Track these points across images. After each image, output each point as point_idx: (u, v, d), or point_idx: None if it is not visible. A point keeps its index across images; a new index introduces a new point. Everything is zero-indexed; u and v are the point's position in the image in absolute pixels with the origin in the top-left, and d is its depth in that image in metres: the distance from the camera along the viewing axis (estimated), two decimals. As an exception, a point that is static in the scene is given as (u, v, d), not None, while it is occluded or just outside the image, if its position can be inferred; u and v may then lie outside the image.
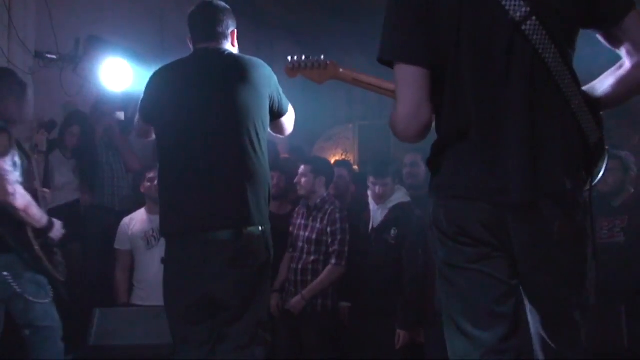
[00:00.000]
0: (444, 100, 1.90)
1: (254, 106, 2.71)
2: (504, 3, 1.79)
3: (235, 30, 2.95)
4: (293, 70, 2.91)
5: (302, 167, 4.55)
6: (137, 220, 4.68)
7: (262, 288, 2.73)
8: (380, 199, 4.35)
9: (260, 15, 7.14)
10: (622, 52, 1.87)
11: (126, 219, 4.72)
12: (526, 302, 1.96)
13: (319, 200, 4.49)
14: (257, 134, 2.70)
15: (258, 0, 6.63)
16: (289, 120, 3.03)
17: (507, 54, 1.81)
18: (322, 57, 2.94)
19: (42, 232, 3.38)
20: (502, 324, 1.89)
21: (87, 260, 4.97)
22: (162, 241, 4.25)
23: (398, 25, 1.91)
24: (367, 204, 4.51)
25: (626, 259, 4.01)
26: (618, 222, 4.16)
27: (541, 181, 1.79)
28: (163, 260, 2.80)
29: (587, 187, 1.91)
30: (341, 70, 3.08)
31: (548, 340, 1.92)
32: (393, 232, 4.27)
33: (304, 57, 3.06)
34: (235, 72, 2.73)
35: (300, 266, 4.41)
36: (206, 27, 2.88)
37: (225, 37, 2.89)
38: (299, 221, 4.55)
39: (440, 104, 1.91)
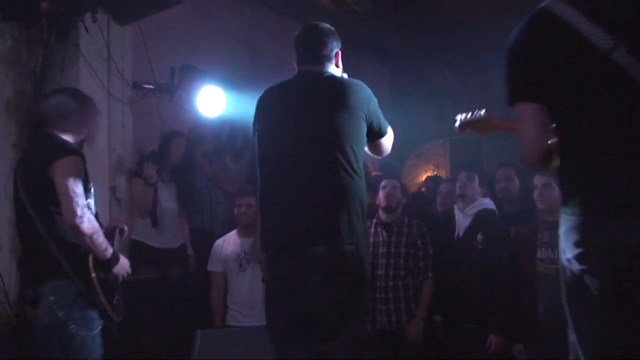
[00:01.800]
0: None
1: (350, 128, 2.73)
2: (592, 39, 1.94)
3: (340, 52, 2.99)
4: (461, 127, 2.98)
5: (389, 182, 4.62)
6: (229, 242, 4.73)
7: (357, 304, 2.71)
8: (463, 192, 4.36)
9: (352, 39, 7.18)
10: None
11: (219, 241, 4.78)
12: None
13: (398, 216, 4.51)
14: (353, 155, 2.72)
15: (345, 21, 6.66)
16: (388, 141, 3.04)
17: (599, 80, 1.96)
18: (483, 111, 2.98)
19: (105, 265, 3.18)
20: None
21: (188, 283, 5.05)
22: (254, 263, 4.44)
23: (512, 73, 2.15)
24: (452, 215, 4.47)
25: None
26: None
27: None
28: (264, 280, 2.82)
29: None
30: (496, 120, 3.16)
31: None
32: (480, 237, 4.23)
33: (469, 114, 3.12)
34: (333, 94, 2.77)
35: (391, 283, 4.37)
36: (310, 49, 2.94)
37: (329, 59, 2.94)
38: (379, 238, 4.50)
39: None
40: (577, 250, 1.98)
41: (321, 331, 2.66)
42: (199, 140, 5.66)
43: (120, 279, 3.31)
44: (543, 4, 2.10)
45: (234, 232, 4.78)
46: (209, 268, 4.76)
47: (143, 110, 5.19)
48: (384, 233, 4.50)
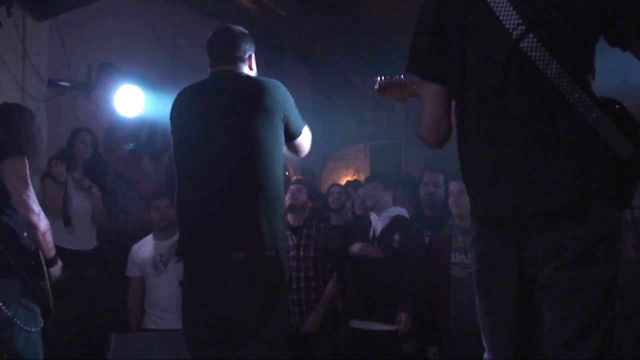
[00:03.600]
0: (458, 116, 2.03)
1: (268, 129, 2.71)
2: (502, 21, 1.85)
3: (253, 54, 2.99)
4: (381, 90, 2.89)
5: (295, 186, 4.72)
6: (145, 246, 4.70)
7: (276, 308, 2.70)
8: (376, 208, 4.46)
9: (274, 42, 7.27)
10: None
11: (135, 246, 4.74)
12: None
13: (303, 220, 4.64)
14: (271, 157, 2.72)
15: (269, 24, 6.70)
16: (305, 141, 3.02)
17: (505, 70, 1.86)
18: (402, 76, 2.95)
19: (48, 264, 3.26)
20: None
21: (103, 285, 4.97)
22: (171, 266, 4.40)
23: (418, 44, 2.07)
24: (368, 217, 4.56)
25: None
26: (629, 236, 4.12)
27: (538, 194, 1.82)
28: (181, 283, 2.82)
29: (621, 204, 1.90)
30: (416, 86, 3.04)
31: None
32: (397, 236, 4.31)
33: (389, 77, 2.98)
34: (249, 94, 2.75)
35: (302, 285, 4.47)
36: (223, 51, 2.92)
37: (242, 60, 2.93)
38: (288, 242, 4.55)
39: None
40: (480, 263, 2.03)
41: (238, 335, 2.64)
42: (115, 140, 5.56)
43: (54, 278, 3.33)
44: None
45: (150, 236, 4.75)
46: (127, 273, 4.72)
47: (58, 109, 5.08)
48: (293, 237, 4.59)
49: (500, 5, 1.86)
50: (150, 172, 5.91)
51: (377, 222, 4.45)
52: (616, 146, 1.83)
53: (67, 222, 4.77)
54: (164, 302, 4.47)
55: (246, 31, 3.00)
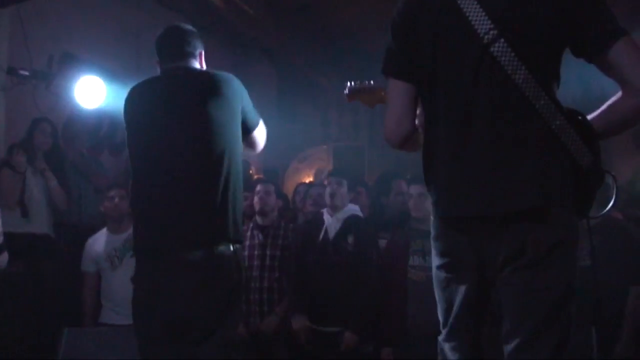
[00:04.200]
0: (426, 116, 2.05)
1: (226, 121, 2.70)
2: (474, 25, 1.88)
3: (203, 52, 2.97)
4: (351, 95, 2.86)
5: (263, 186, 4.69)
6: (100, 240, 4.64)
7: (232, 309, 2.69)
8: (333, 201, 4.44)
9: (240, 39, 7.27)
10: (615, 80, 1.90)
11: (90, 240, 4.68)
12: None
13: (273, 220, 4.65)
14: (231, 150, 2.69)
15: (236, 22, 6.68)
16: (260, 136, 3.00)
17: (475, 73, 1.90)
18: (372, 82, 2.93)
19: None
20: None
21: (57, 278, 4.89)
22: (126, 260, 4.34)
23: (391, 43, 2.09)
24: (321, 217, 4.57)
25: (594, 283, 4.07)
26: (584, 245, 4.20)
27: (501, 196, 1.86)
28: (132, 280, 2.75)
29: (579, 212, 1.95)
30: (384, 92, 2.92)
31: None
32: (350, 239, 4.34)
33: (359, 82, 2.92)
34: (206, 87, 2.73)
35: (265, 285, 4.45)
36: (173, 48, 2.90)
37: (193, 56, 2.90)
38: (255, 241, 4.57)
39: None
40: (441, 260, 2.06)
41: (192, 335, 2.60)
42: (74, 132, 5.50)
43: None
44: None
45: (104, 230, 4.68)
46: (82, 268, 4.65)
47: (18, 98, 5.00)
48: (260, 236, 4.58)
49: (473, 10, 1.89)
50: (109, 166, 5.85)
51: (331, 223, 4.46)
52: (577, 154, 1.88)
53: (24, 212, 4.71)
54: (119, 297, 4.38)
55: (195, 30, 2.99)
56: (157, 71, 2.93)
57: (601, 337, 3.85)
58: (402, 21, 2.06)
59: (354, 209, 4.56)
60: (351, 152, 7.95)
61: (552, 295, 1.87)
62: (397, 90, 2.07)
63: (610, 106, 1.94)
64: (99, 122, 5.85)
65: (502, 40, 1.85)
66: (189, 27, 2.98)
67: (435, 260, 2.10)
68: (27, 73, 4.99)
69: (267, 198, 4.61)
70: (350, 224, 4.41)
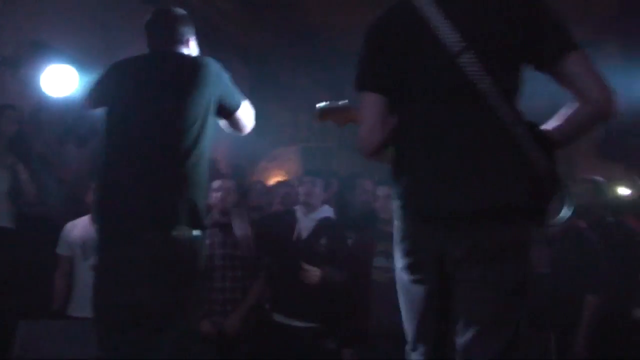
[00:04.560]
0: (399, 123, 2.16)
1: (198, 106, 2.66)
2: (443, 38, 2.01)
3: (193, 38, 2.96)
4: (321, 115, 2.83)
5: (224, 182, 4.62)
6: (79, 227, 4.59)
7: (188, 297, 2.67)
8: (307, 199, 4.46)
9: (214, 34, 7.20)
10: (570, 91, 2.01)
11: (69, 225, 4.63)
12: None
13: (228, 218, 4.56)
14: (200, 136, 2.66)
15: (210, 17, 6.66)
16: (245, 116, 2.97)
17: (445, 83, 2.03)
18: (344, 101, 2.96)
19: None
20: None
21: (14, 270, 4.81)
22: None
23: (364, 58, 2.19)
24: (294, 214, 4.56)
25: (553, 289, 4.15)
26: (545, 252, 4.26)
27: (469, 197, 1.97)
28: (94, 267, 2.75)
29: (537, 218, 2.05)
30: (354, 112, 3.05)
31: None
32: (323, 240, 4.35)
33: (329, 103, 2.90)
34: (181, 71, 2.72)
35: (228, 284, 4.38)
36: (161, 31, 2.89)
37: (181, 42, 2.90)
38: (215, 239, 4.45)
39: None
40: (406, 260, 2.12)
41: (149, 323, 2.56)
42: (40, 121, 5.43)
43: None
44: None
45: (86, 217, 4.58)
46: (57, 250, 4.61)
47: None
48: (220, 234, 4.47)
49: (442, 25, 2.01)
50: (72, 157, 5.77)
51: (304, 223, 4.47)
52: (536, 162, 1.98)
53: None
54: (85, 288, 4.16)
55: (185, 13, 2.96)
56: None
57: (559, 342, 3.94)
58: (375, 37, 2.18)
59: (327, 210, 4.58)
60: (320, 153, 7.99)
61: (504, 289, 1.98)
62: (370, 102, 2.16)
63: (565, 115, 2.04)
64: (65, 113, 5.75)
65: (472, 51, 1.97)
66: (179, 11, 2.96)
67: (399, 262, 2.15)
68: (-7, 59, 4.91)
69: (227, 197, 4.54)
70: (323, 225, 4.43)
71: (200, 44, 2.99)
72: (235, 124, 2.96)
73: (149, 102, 2.68)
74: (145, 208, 2.58)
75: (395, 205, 2.15)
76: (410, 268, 2.11)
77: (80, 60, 5.49)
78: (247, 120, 3.01)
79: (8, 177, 4.84)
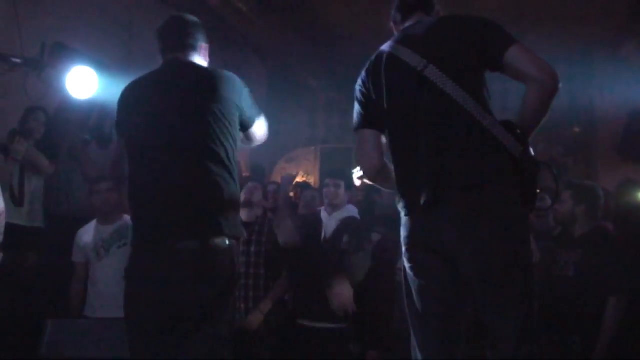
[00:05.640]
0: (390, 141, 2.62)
1: (225, 118, 2.74)
2: (409, 63, 2.46)
3: (206, 46, 3.01)
4: None
5: (252, 183, 4.74)
6: (89, 231, 4.69)
7: (224, 302, 2.71)
8: (331, 201, 4.54)
9: (232, 35, 7.31)
10: (519, 80, 2.35)
11: (80, 231, 4.72)
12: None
13: (256, 217, 4.63)
14: (228, 146, 2.74)
15: (229, 19, 6.70)
16: (258, 131, 3.05)
17: (416, 93, 2.44)
18: None
19: None
20: None
21: (42, 270, 4.93)
22: (113, 251, 4.46)
23: (356, 105, 2.71)
24: (319, 216, 4.64)
25: (577, 292, 4.13)
26: (572, 255, 4.24)
27: (445, 182, 2.31)
28: (125, 271, 2.79)
29: (525, 200, 2.33)
30: None
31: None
32: (345, 238, 4.41)
33: None
34: (205, 84, 2.77)
35: (251, 282, 4.45)
36: (175, 39, 2.93)
37: (194, 49, 2.94)
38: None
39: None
40: (403, 248, 2.51)
41: (182, 327, 2.62)
42: (64, 122, 5.54)
43: None
44: (381, 48, 2.66)
45: (94, 221, 4.73)
46: (72, 259, 4.71)
47: (9, 86, 5.01)
48: (244, 232, 4.49)
49: (406, 54, 2.48)
50: (96, 157, 5.86)
51: (328, 222, 4.54)
52: (509, 145, 2.30)
53: (19, 201, 4.74)
54: (104, 289, 4.46)
55: (199, 21, 3.01)
56: (152, 62, 2.96)
57: (584, 346, 3.94)
58: (362, 86, 2.67)
59: (351, 210, 4.65)
60: (339, 154, 8.00)
61: (502, 258, 2.26)
62: (365, 136, 2.66)
63: (522, 103, 2.36)
64: (88, 114, 5.84)
65: (432, 65, 2.40)
66: (193, 18, 3.01)
67: (406, 263, 2.51)
68: (19, 61, 4.98)
69: (254, 191, 4.64)
70: (346, 224, 4.48)
71: (219, 44, 3.02)
72: (248, 137, 3.03)
73: (177, 116, 2.73)
74: (181, 219, 2.66)
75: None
76: (415, 267, 2.49)
77: (103, 63, 5.59)
78: (260, 134, 3.09)
79: (38, 178, 4.95)
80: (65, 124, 5.53)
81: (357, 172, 2.84)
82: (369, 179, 2.70)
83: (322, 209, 4.69)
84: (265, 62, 8.90)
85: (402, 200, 2.51)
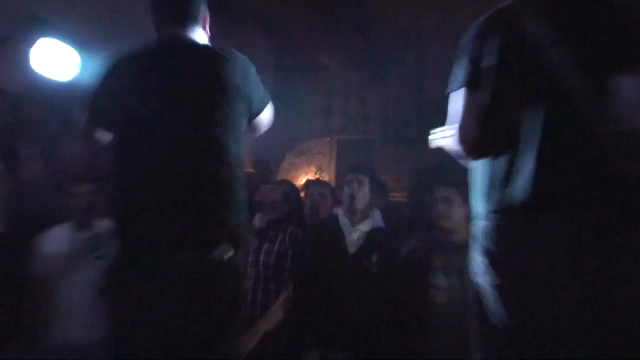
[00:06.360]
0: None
1: (230, 109, 2.64)
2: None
3: (207, 16, 2.92)
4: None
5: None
6: (58, 238, 4.37)
7: (227, 324, 2.60)
8: (352, 210, 4.15)
9: (234, 5, 7.09)
10: None
11: (43, 238, 4.40)
12: None
13: (267, 222, 4.36)
14: (233, 141, 2.64)
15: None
16: (266, 118, 2.97)
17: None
18: None
19: None
20: None
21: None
22: (87, 264, 4.21)
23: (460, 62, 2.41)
24: (337, 222, 4.26)
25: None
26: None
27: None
28: (107, 288, 2.66)
29: None
30: None
31: None
32: (375, 257, 4.02)
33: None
34: (211, 72, 2.66)
35: (260, 296, 4.15)
36: (174, 8, 2.83)
37: (195, 20, 2.85)
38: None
39: None
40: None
41: (178, 355, 2.48)
42: (37, 109, 5.36)
43: None
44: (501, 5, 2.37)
45: (64, 226, 4.41)
46: (31, 272, 4.32)
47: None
48: (254, 240, 4.28)
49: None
50: (78, 151, 5.62)
51: (351, 235, 4.13)
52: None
53: None
54: (74, 307, 4.15)
55: None
56: (141, 38, 2.79)
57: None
58: (472, 44, 2.38)
59: (378, 218, 4.28)
60: (359, 146, 7.82)
61: None
62: (468, 101, 2.36)
63: None
64: (69, 101, 5.61)
65: (560, 45, 2.17)
66: None
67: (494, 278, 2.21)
68: (-17, 35, 4.80)
69: (269, 193, 4.48)
70: (374, 239, 4.09)
71: (219, 17, 2.92)
72: (254, 126, 2.96)
73: (175, 107, 2.61)
74: (180, 227, 2.53)
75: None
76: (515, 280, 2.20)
77: (86, 39, 5.38)
78: (266, 122, 3.02)
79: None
80: (35, 113, 5.37)
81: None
82: (468, 153, 2.38)
83: (340, 213, 4.28)
84: (271, 35, 8.70)
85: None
